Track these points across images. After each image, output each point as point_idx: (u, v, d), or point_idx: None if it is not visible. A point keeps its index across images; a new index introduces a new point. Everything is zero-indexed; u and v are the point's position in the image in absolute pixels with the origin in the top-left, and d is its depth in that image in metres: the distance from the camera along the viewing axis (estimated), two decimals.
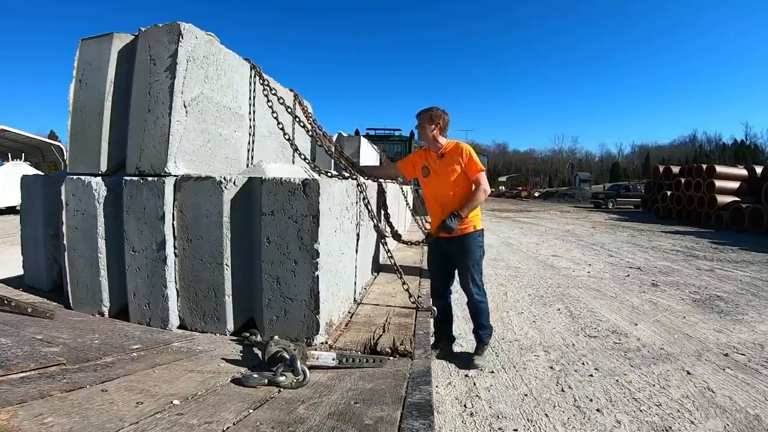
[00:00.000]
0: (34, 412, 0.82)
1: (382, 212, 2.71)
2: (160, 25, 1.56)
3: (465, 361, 3.14)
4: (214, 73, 1.72)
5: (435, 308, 2.02)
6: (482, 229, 3.00)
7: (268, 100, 2.02)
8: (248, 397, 0.99)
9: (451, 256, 2.97)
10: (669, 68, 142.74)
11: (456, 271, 3.05)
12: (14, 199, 11.34)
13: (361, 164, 5.35)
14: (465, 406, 2.60)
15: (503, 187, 47.83)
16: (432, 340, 3.19)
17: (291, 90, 2.40)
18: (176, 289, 1.53)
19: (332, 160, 2.38)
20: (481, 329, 3.13)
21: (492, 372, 3.06)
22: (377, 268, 2.70)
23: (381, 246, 2.04)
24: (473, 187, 2.81)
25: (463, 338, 3.61)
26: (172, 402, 0.92)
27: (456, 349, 3.36)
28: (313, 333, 1.38)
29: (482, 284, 3.04)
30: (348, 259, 1.75)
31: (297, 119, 2.22)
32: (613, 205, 22.85)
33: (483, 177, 2.83)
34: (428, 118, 2.83)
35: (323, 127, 2.49)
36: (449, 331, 3.28)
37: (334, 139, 4.29)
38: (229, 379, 1.08)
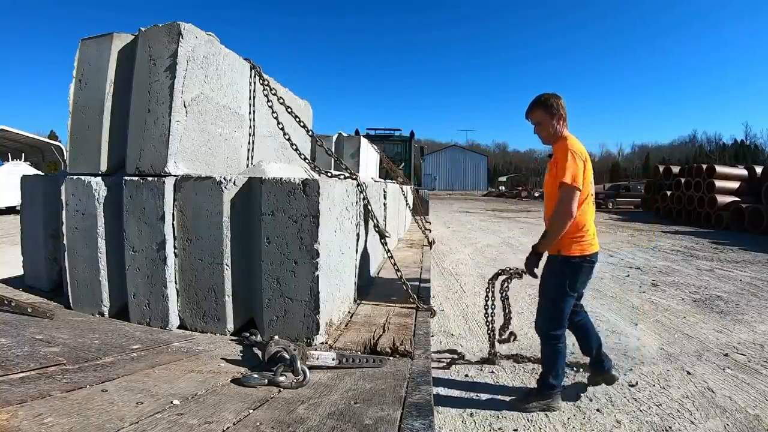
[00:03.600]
0: (34, 412, 0.82)
1: None
2: (160, 25, 1.56)
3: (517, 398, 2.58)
4: (214, 73, 1.72)
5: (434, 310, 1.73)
6: (574, 257, 2.18)
7: (268, 100, 2.02)
8: (248, 397, 0.99)
9: None
10: (669, 68, 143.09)
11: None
12: (14, 199, 11.33)
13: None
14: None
15: (503, 187, 47.82)
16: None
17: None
18: (176, 289, 1.53)
19: (332, 160, 2.37)
20: (540, 376, 2.54)
21: (492, 372, 3.06)
22: (377, 267, 2.70)
23: (381, 246, 2.04)
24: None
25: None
26: (172, 402, 0.92)
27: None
28: (313, 333, 1.38)
29: (553, 324, 2.38)
30: (348, 259, 1.75)
31: (297, 119, 2.22)
32: (613, 205, 22.82)
33: (565, 191, 2.03)
34: (542, 109, 2.19)
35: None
36: (589, 351, 2.67)
37: (334, 139, 4.26)
38: (229, 379, 1.08)
